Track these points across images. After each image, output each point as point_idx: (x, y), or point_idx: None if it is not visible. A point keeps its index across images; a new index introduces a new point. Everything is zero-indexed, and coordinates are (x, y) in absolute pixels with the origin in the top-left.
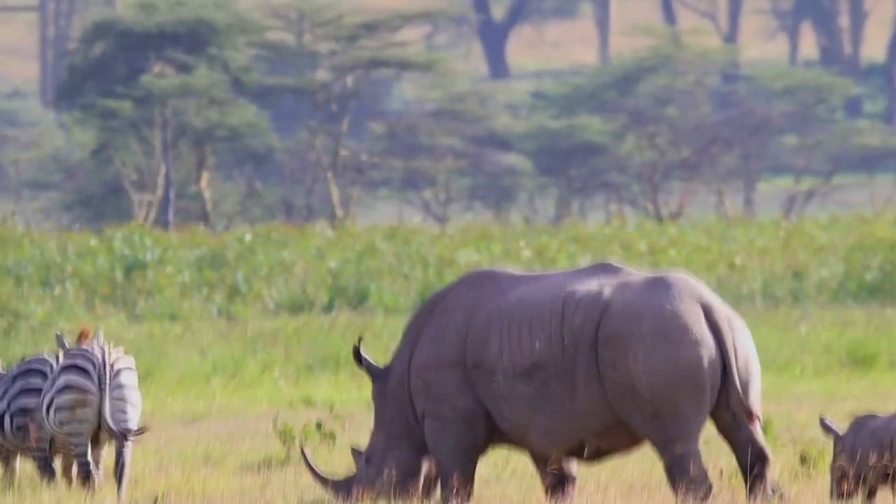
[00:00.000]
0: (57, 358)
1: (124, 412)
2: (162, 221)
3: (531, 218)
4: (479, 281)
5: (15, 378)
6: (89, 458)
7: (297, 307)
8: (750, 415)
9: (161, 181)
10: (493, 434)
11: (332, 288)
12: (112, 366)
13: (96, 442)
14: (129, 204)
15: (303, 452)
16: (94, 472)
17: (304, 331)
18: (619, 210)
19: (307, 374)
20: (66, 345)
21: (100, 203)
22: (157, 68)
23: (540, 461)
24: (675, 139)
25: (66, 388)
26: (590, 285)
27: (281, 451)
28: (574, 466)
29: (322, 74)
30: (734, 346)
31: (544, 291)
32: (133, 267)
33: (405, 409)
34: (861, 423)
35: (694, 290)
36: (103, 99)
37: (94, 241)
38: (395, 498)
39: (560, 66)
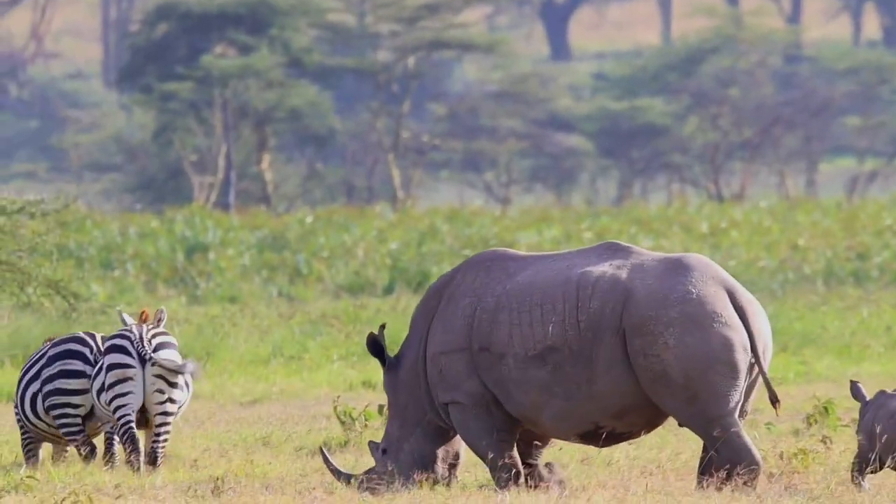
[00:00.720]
0: (93, 337)
1: (162, 390)
2: (223, 203)
3: (592, 200)
4: (485, 264)
5: (51, 358)
6: (136, 434)
7: (357, 289)
8: (775, 398)
9: (222, 163)
10: (509, 416)
11: (393, 270)
12: (150, 340)
13: (144, 423)
14: (189, 186)
15: (322, 451)
16: (140, 452)
17: (365, 313)
18: (680, 191)
19: (367, 357)
20: (128, 321)
21: (161, 185)
22: (218, 49)
23: (525, 449)
24: (738, 120)
25: (110, 367)
26: (602, 267)
27: (341, 434)
28: (558, 467)
29: (383, 55)
30: (759, 329)
31: (555, 274)
32: (194, 249)
33: (418, 397)
34: (883, 401)
35: (716, 273)
36: (164, 80)
37: (155, 223)
38: (410, 485)
39: (622, 48)
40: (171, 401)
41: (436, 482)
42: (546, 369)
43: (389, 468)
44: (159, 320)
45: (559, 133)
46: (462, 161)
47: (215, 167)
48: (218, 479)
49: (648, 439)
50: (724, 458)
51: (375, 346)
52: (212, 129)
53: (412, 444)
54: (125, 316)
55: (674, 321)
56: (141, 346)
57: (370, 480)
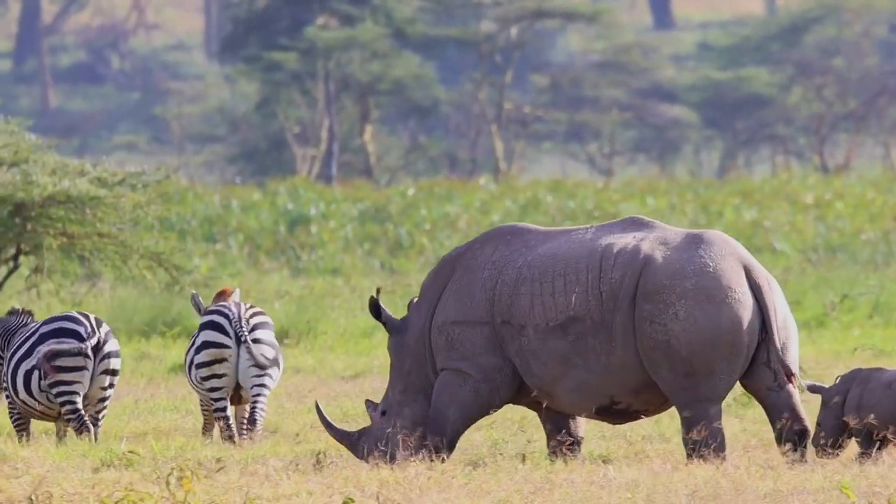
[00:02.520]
0: (86, 316)
1: (258, 367)
2: (325, 175)
3: (696, 171)
4: (505, 237)
5: (45, 335)
6: (230, 414)
7: None
8: (790, 374)
9: (324, 135)
10: (518, 392)
11: None
12: (248, 321)
13: (238, 400)
14: (292, 158)
15: (317, 405)
16: (234, 429)
17: None
18: (784, 162)
19: None
20: (201, 304)
21: (263, 157)
22: (320, 20)
23: (549, 422)
24: (842, 91)
25: (204, 344)
26: (625, 239)
27: None
28: (582, 429)
29: (487, 25)
30: (774, 305)
31: (578, 245)
32: (296, 221)
33: (424, 364)
34: (867, 376)
35: (735, 249)
36: (267, 51)
37: (257, 196)
38: (408, 450)
39: (726, 17)
40: (269, 377)
41: (437, 449)
42: (567, 340)
43: (388, 430)
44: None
45: (662, 103)
46: (565, 132)
47: (318, 139)
48: (320, 453)
49: None
50: (693, 436)
51: (376, 309)
52: (315, 100)
53: (413, 410)
54: (199, 299)
55: (687, 292)
56: (239, 326)
57: (364, 439)
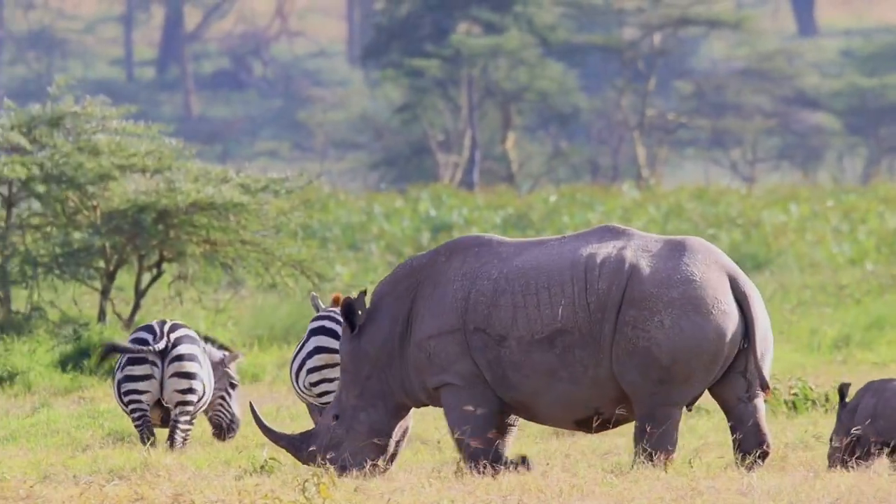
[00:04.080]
0: (162, 324)
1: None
2: (467, 182)
3: (839, 178)
4: (472, 249)
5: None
6: None
7: None
8: (766, 386)
9: (467, 142)
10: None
11: None
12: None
13: None
14: (434, 164)
15: (251, 406)
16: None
17: None
18: None
19: None
20: (320, 306)
21: (405, 163)
22: (462, 27)
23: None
24: None
25: (316, 350)
26: (607, 249)
27: None
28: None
29: (629, 32)
30: (757, 316)
31: (558, 257)
32: (439, 228)
33: (385, 374)
34: (881, 386)
35: (718, 258)
36: (410, 58)
37: (399, 203)
38: (362, 456)
39: (869, 25)
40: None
41: (391, 457)
42: (554, 352)
43: (340, 434)
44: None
45: (806, 110)
46: (708, 139)
47: (461, 146)
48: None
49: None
50: (648, 438)
51: (350, 311)
52: (458, 107)
53: (370, 416)
54: (318, 301)
55: (674, 301)
56: None
57: (308, 443)
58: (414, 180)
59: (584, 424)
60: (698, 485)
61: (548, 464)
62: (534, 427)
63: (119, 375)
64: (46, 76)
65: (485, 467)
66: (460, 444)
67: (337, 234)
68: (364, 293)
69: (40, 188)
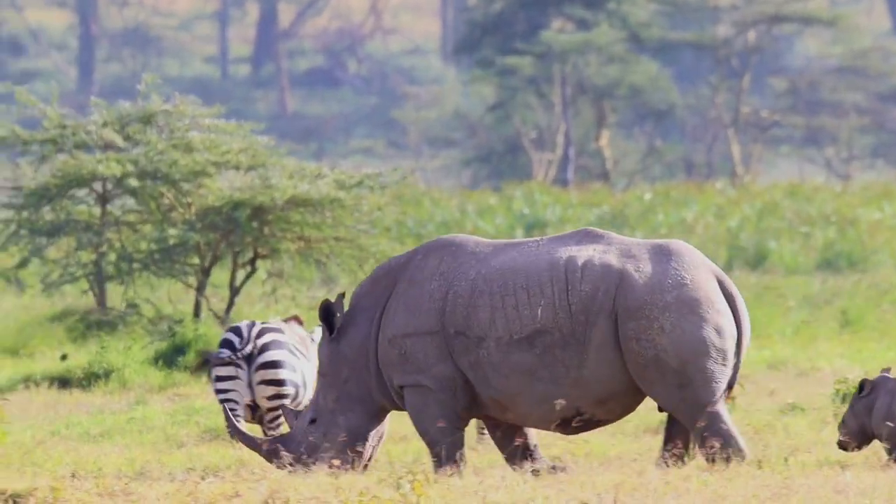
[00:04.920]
0: (251, 325)
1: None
2: (561, 180)
3: None
4: (449, 249)
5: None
6: None
7: None
8: (732, 384)
9: (561, 139)
10: (472, 403)
11: (732, 247)
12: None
13: None
14: (528, 162)
15: (225, 411)
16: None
17: None
18: None
19: None
20: None
21: (499, 160)
22: (555, 24)
23: (500, 433)
24: None
25: None
26: (587, 252)
27: None
28: (536, 437)
29: (723, 30)
30: (743, 317)
31: (536, 258)
32: (533, 226)
33: (363, 374)
34: (894, 386)
35: (704, 260)
36: (502, 56)
37: (493, 200)
38: (339, 460)
39: None
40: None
41: (369, 460)
42: (533, 353)
43: (313, 438)
44: None
45: None
46: (802, 136)
47: (554, 143)
48: (557, 458)
49: None
50: (711, 442)
51: (328, 313)
52: (551, 105)
53: (349, 420)
54: None
55: (670, 306)
56: None
57: (284, 447)
58: (507, 177)
59: (565, 425)
60: (792, 483)
61: (634, 459)
62: (628, 425)
63: (212, 374)
64: (141, 73)
65: (453, 469)
66: (432, 444)
67: (431, 231)
68: (342, 296)
69: (135, 185)
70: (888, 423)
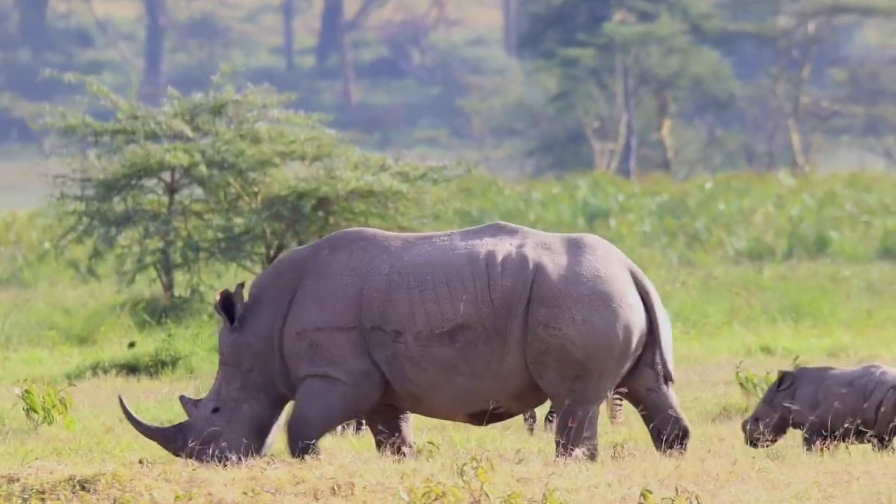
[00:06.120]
0: None
1: None
2: (623, 170)
3: None
4: (357, 243)
5: None
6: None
7: (757, 255)
8: (670, 378)
9: (623, 129)
10: (383, 397)
11: (792, 236)
12: None
13: None
14: (589, 151)
15: (120, 399)
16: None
17: (764, 279)
18: None
19: (768, 323)
20: None
21: (562, 150)
22: (617, 16)
23: (381, 423)
24: None
25: None
26: (504, 246)
27: (741, 400)
28: (412, 433)
29: (784, 20)
30: (658, 309)
31: (452, 252)
32: (596, 215)
33: (268, 364)
34: (820, 375)
35: (619, 254)
36: (565, 46)
37: (556, 190)
38: (243, 448)
39: None
40: None
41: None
42: (455, 347)
43: (220, 426)
44: None
45: None
46: (862, 126)
47: (616, 133)
48: (617, 445)
49: None
50: (570, 435)
51: (228, 304)
52: (612, 95)
53: (253, 408)
54: None
55: (583, 297)
56: None
57: (183, 435)
58: (570, 167)
59: (478, 417)
60: (854, 469)
61: (709, 450)
62: (690, 413)
63: None
64: (208, 64)
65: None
66: (305, 436)
67: (495, 221)
68: (241, 286)
69: (203, 174)
70: (814, 411)
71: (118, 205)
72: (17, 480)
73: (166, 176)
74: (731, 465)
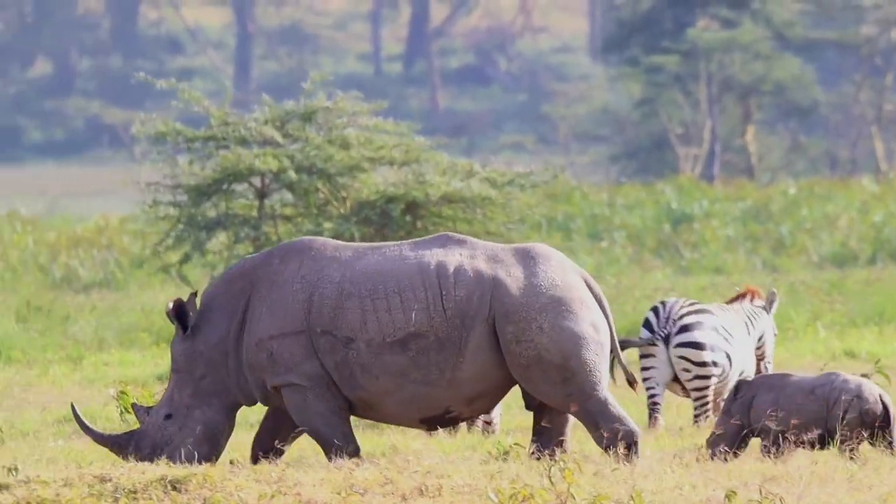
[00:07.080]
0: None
1: (687, 368)
2: (707, 175)
3: None
4: (307, 253)
5: None
6: (659, 405)
7: (840, 260)
8: (632, 380)
9: (707, 135)
10: (345, 399)
11: (876, 241)
12: (676, 320)
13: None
14: (674, 157)
15: (73, 407)
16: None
17: (848, 284)
18: None
19: (851, 327)
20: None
21: (646, 156)
22: (701, 23)
23: (270, 425)
24: None
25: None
26: (456, 257)
27: None
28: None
29: (867, 28)
30: (609, 313)
31: (403, 263)
32: (680, 220)
33: (220, 374)
34: (779, 382)
35: (570, 262)
36: (650, 53)
37: (642, 195)
38: (195, 454)
39: None
40: (698, 377)
41: (217, 455)
42: (407, 355)
43: (172, 433)
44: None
45: None
46: None
47: (700, 139)
48: (701, 447)
49: None
50: (605, 430)
51: (181, 312)
52: (696, 101)
53: (205, 414)
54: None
55: (546, 306)
56: (664, 324)
57: (135, 443)
58: (654, 173)
59: (431, 423)
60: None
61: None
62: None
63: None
64: (297, 71)
65: (350, 457)
66: (322, 440)
67: (580, 226)
68: (195, 294)
69: (292, 179)
70: (772, 416)
71: (209, 210)
72: (110, 480)
73: (256, 181)
74: (814, 466)
